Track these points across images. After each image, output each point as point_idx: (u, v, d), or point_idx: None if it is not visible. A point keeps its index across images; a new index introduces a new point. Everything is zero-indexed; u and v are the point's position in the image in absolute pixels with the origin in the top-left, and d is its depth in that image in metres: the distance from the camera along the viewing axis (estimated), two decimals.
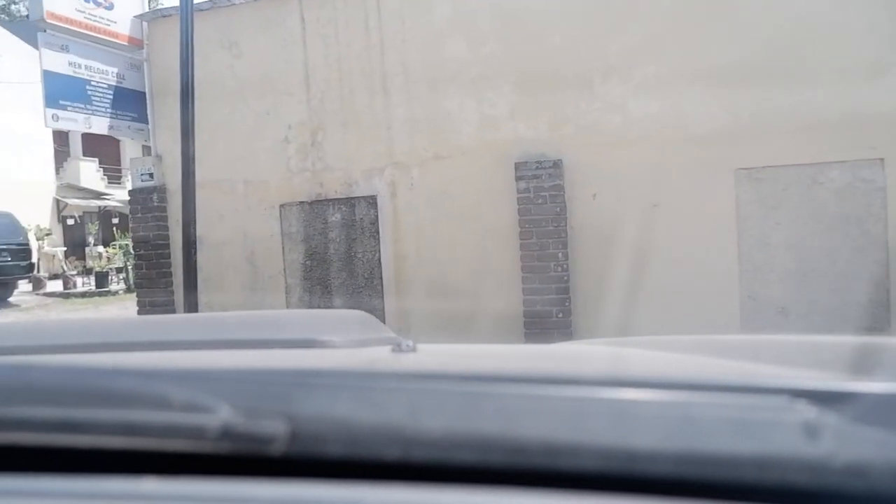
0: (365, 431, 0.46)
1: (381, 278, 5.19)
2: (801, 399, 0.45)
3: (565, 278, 4.61)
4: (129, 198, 5.93)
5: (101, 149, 24.47)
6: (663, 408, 0.47)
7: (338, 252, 5.30)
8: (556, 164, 4.63)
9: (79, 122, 5.23)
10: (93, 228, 17.02)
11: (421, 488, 0.44)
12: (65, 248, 18.60)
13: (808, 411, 0.44)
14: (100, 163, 23.77)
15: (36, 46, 5.18)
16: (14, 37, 20.12)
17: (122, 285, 14.52)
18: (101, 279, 14.48)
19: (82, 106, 5.29)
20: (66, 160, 22.11)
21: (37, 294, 14.66)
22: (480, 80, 4.87)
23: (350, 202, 5.27)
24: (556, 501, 0.43)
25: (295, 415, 0.47)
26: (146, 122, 5.84)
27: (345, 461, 0.46)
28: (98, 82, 5.45)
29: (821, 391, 0.47)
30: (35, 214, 18.03)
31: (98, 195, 21.62)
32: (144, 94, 5.86)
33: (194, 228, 4.47)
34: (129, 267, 14.87)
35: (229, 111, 5.57)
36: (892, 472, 0.42)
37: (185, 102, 4.32)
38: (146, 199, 5.81)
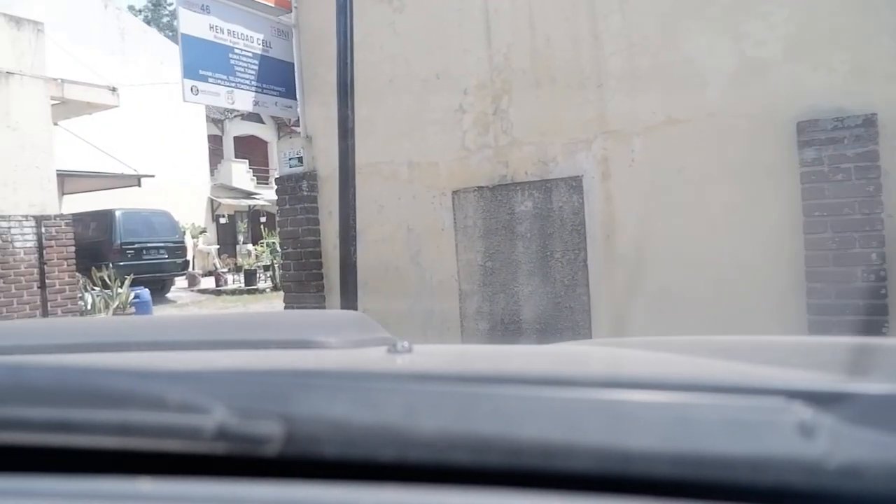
0: (361, 432, 0.46)
1: (587, 286, 3.91)
2: (796, 400, 0.45)
3: (882, 291, 3.09)
4: (276, 187, 5.08)
5: (251, 151, 25.30)
6: (659, 409, 0.46)
7: (528, 251, 4.09)
8: (868, 122, 3.12)
9: (220, 97, 4.42)
10: (242, 227, 17.14)
11: (417, 489, 0.44)
12: (217, 246, 19.05)
13: (803, 412, 0.44)
14: (249, 164, 24.52)
15: None
16: (174, 44, 21.05)
17: (269, 283, 14.37)
18: (250, 277, 14.39)
19: (224, 77, 4.48)
20: (219, 162, 22.93)
21: (191, 290, 14.88)
22: (738, 7, 3.46)
23: (545, 186, 4.04)
24: (553, 502, 0.42)
25: (291, 415, 0.46)
26: (295, 97, 4.97)
27: (341, 462, 0.46)
28: (242, 50, 4.62)
29: (816, 392, 0.47)
30: (191, 213, 18.59)
31: (248, 194, 22.13)
32: (293, 65, 4.98)
33: (354, 221, 3.45)
34: (276, 265, 14.80)
35: (390, 79, 4.54)
36: (888, 472, 0.42)
37: (342, 69, 3.32)
38: (294, 188, 4.93)
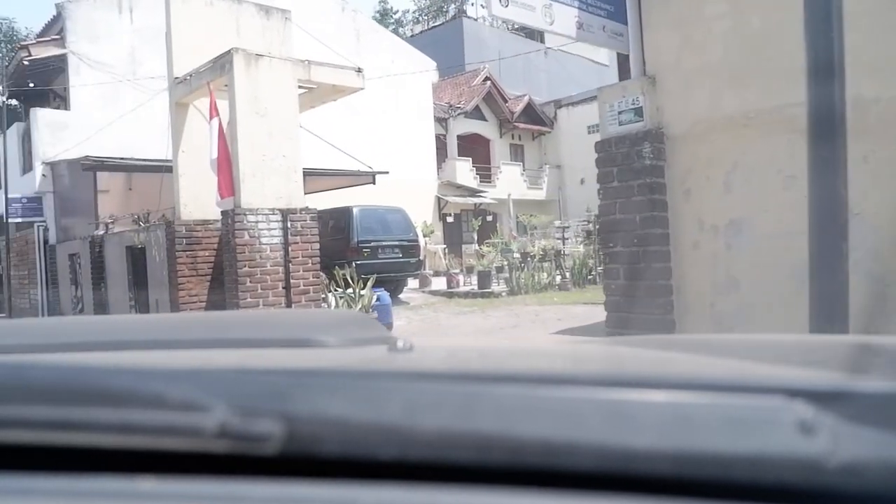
0: (361, 430, 0.46)
1: None
2: (797, 398, 0.45)
3: None
4: (596, 156, 3.49)
5: (474, 149, 24.68)
6: (660, 407, 0.46)
7: None
8: None
9: (536, 13, 2.93)
10: (475, 224, 16.10)
11: (417, 488, 0.44)
12: (444, 246, 18.40)
13: (804, 410, 0.44)
14: (472, 163, 23.90)
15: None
16: (406, 44, 21.00)
17: (504, 287, 13.12)
18: (484, 279, 13.25)
19: None
20: (443, 160, 22.56)
21: (422, 292, 14.16)
22: None
23: None
24: (553, 501, 0.42)
25: (291, 414, 0.46)
26: (625, 21, 3.34)
27: (341, 460, 0.45)
28: None
29: (817, 390, 0.47)
30: (419, 212, 18.15)
31: (473, 192, 21.35)
32: None
33: (844, 197, 1.71)
34: (510, 266, 13.59)
35: None
36: (889, 471, 0.42)
37: None
38: (626, 156, 3.30)
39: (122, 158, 11.76)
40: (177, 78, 7.97)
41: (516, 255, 14.38)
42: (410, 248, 13.08)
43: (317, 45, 9.83)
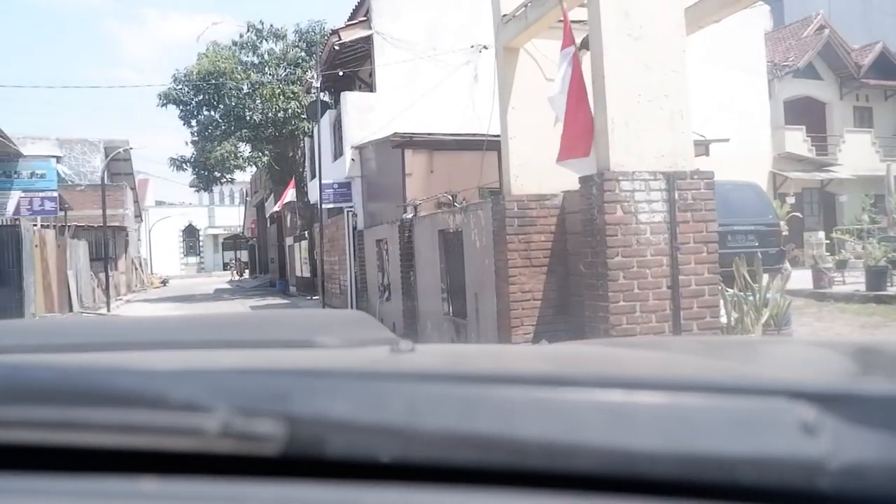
0: (363, 431, 0.46)
1: None
2: (799, 400, 0.45)
3: None
4: None
5: (804, 117, 20.07)
6: (662, 409, 0.46)
7: None
8: None
9: None
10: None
11: (419, 489, 0.44)
12: (821, 232, 14.62)
13: (806, 412, 0.44)
14: (806, 131, 19.38)
15: None
16: None
17: None
18: (877, 277, 9.64)
19: None
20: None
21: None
22: None
23: None
24: (554, 502, 0.43)
25: (293, 414, 0.46)
26: None
27: (343, 461, 0.46)
28: None
29: (819, 392, 0.47)
30: None
31: (819, 166, 17.02)
32: None
33: None
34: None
35: None
36: (890, 473, 0.42)
37: None
38: None
39: (429, 134, 10.71)
40: (504, 15, 6.23)
41: None
42: (768, 235, 10.06)
43: None
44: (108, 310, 16.82)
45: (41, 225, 15.51)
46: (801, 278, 11.23)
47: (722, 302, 5.27)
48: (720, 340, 0.84)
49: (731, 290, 5.48)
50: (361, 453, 0.45)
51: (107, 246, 19.05)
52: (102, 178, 19.31)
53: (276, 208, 23.10)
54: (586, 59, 5.18)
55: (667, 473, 0.42)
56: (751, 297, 5.33)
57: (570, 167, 5.12)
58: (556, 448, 0.43)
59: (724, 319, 5.28)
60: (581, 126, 4.98)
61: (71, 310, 15.79)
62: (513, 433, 0.44)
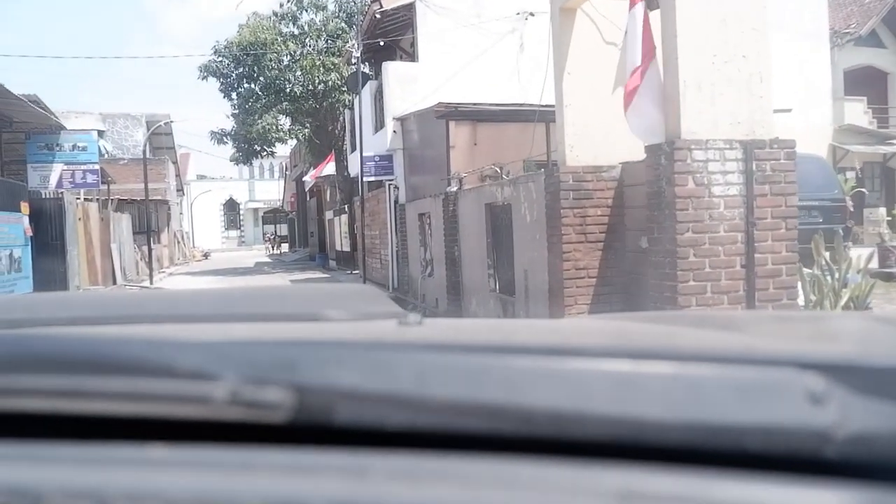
0: (371, 399, 0.46)
1: None
2: (808, 370, 0.45)
3: None
4: None
5: (865, 87, 18.99)
6: (671, 378, 0.46)
7: None
8: None
9: None
10: None
11: (427, 455, 0.44)
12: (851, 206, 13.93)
13: (814, 382, 0.44)
14: (868, 103, 18.34)
15: None
16: None
17: None
18: None
19: None
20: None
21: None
22: None
23: None
24: (562, 468, 0.42)
25: (301, 382, 0.46)
26: None
27: (351, 428, 0.46)
28: None
29: (828, 363, 0.47)
30: None
31: (882, 139, 16.10)
32: None
33: None
34: None
35: None
36: None
37: None
38: None
39: (475, 104, 10.33)
40: None
41: None
42: (833, 211, 9.49)
43: None
44: (151, 282, 16.98)
45: (84, 198, 15.65)
46: (861, 256, 10.59)
47: (800, 283, 4.86)
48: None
49: (808, 270, 5.06)
50: (369, 421, 0.45)
51: (149, 219, 19.23)
52: (144, 152, 19.41)
53: (309, 178, 22.98)
54: (654, 18, 4.76)
55: (675, 440, 0.42)
56: (829, 278, 4.90)
57: (637, 133, 4.73)
58: (563, 416, 0.44)
59: (801, 301, 4.88)
60: (651, 92, 4.57)
61: (115, 283, 15.98)
62: (520, 401, 0.44)
